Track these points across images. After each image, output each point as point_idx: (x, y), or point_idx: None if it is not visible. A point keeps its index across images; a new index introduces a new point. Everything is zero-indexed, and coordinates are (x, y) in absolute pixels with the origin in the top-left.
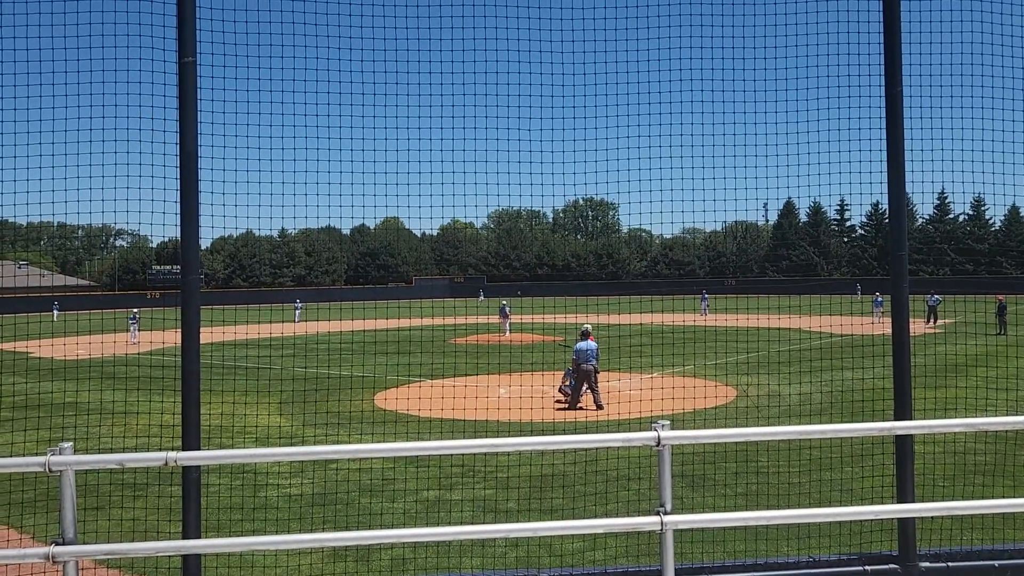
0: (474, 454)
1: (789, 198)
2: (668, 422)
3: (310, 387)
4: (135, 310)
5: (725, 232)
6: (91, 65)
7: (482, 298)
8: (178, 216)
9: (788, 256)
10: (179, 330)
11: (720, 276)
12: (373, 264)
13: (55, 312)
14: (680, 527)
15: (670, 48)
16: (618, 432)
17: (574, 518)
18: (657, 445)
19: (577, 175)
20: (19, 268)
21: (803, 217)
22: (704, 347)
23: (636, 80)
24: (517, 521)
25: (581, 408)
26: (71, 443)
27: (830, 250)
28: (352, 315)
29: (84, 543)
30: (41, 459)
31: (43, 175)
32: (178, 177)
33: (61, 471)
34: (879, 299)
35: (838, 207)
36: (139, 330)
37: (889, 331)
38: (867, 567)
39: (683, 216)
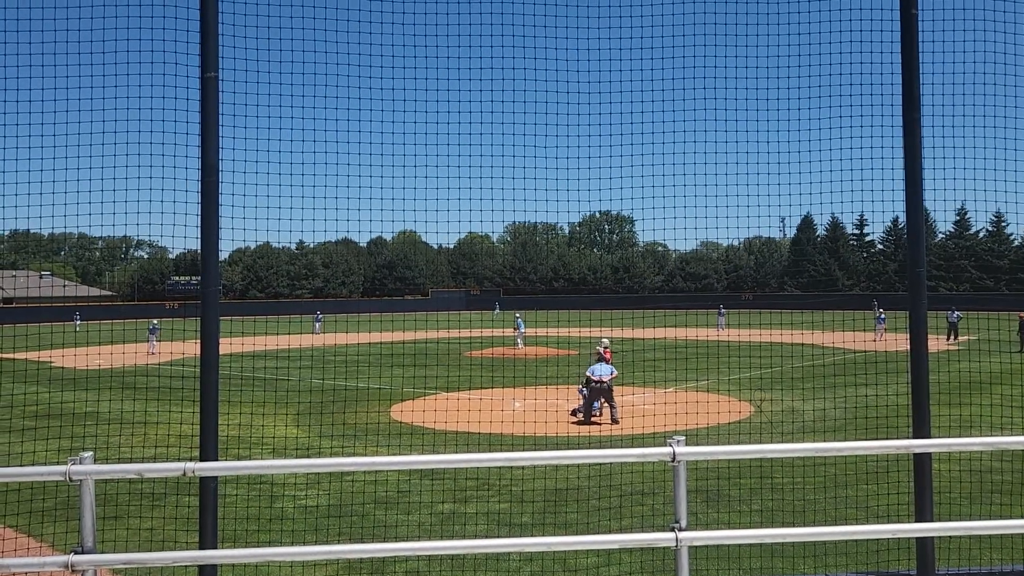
0: (489, 468)
1: (807, 213)
2: (683, 438)
3: (326, 399)
4: (155, 321)
5: (743, 246)
6: (116, 81)
7: (497, 311)
8: (198, 228)
9: (807, 271)
10: (197, 341)
11: (737, 291)
12: (390, 276)
13: (77, 322)
14: (695, 544)
15: (688, 62)
16: (633, 447)
17: (589, 533)
18: (672, 461)
19: (594, 189)
20: (41, 278)
21: (821, 232)
22: (720, 362)
23: (654, 95)
24: (531, 535)
25: (596, 423)
26: (91, 453)
27: (849, 265)
28: (369, 327)
29: (103, 552)
30: (62, 468)
31: (68, 188)
32: (199, 190)
33: (81, 480)
34: (882, 316)
35: (857, 222)
36: (158, 340)
37: (890, 348)
38: None
39: (701, 231)
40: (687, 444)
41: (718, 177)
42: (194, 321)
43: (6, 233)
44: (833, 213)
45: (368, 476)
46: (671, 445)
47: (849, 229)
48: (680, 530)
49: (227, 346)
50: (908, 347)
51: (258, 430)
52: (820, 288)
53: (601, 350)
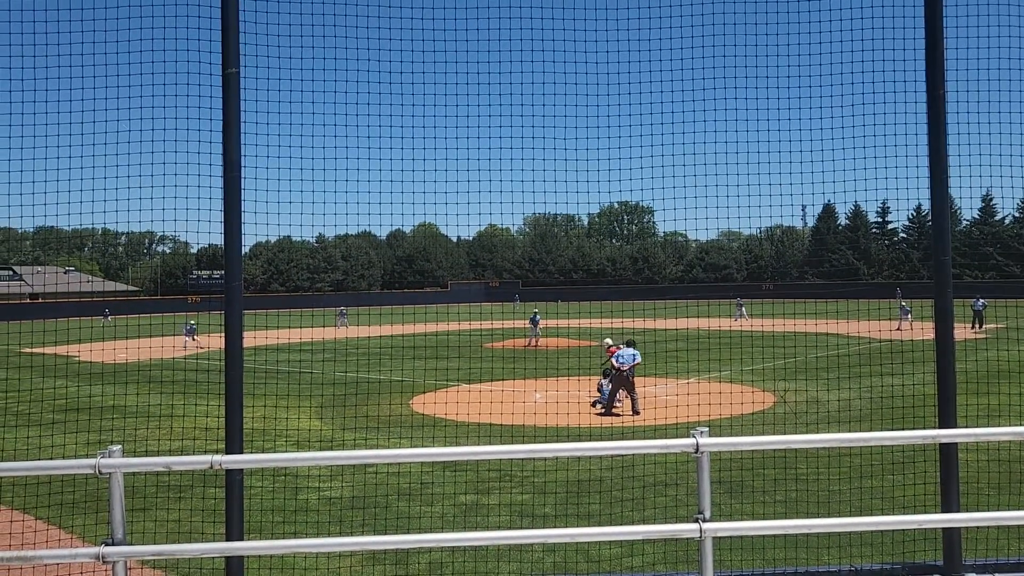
0: (511, 459)
1: (828, 201)
2: (707, 428)
3: (348, 391)
4: (192, 322)
5: (763, 236)
6: (141, 80)
7: (518, 302)
8: (222, 223)
9: (828, 260)
10: (221, 335)
11: (758, 280)
12: (409, 269)
13: (107, 317)
14: (719, 534)
15: (706, 49)
16: (656, 439)
17: (611, 524)
18: (696, 452)
19: (613, 180)
20: (66, 274)
21: (843, 220)
22: (741, 352)
23: (672, 83)
24: (554, 527)
25: (617, 414)
26: (120, 446)
27: (871, 254)
28: (391, 320)
29: (132, 544)
30: (91, 461)
31: (93, 184)
32: (222, 185)
33: (110, 473)
34: (906, 307)
35: (879, 210)
36: (195, 337)
37: (916, 336)
38: None
39: (721, 220)
40: (710, 435)
41: (740, 167)
42: (216, 315)
43: (31, 229)
44: (856, 201)
45: (390, 468)
46: (694, 436)
47: (871, 217)
48: (704, 521)
49: (250, 339)
50: (934, 336)
51: (281, 422)
52: (841, 277)
53: (605, 346)
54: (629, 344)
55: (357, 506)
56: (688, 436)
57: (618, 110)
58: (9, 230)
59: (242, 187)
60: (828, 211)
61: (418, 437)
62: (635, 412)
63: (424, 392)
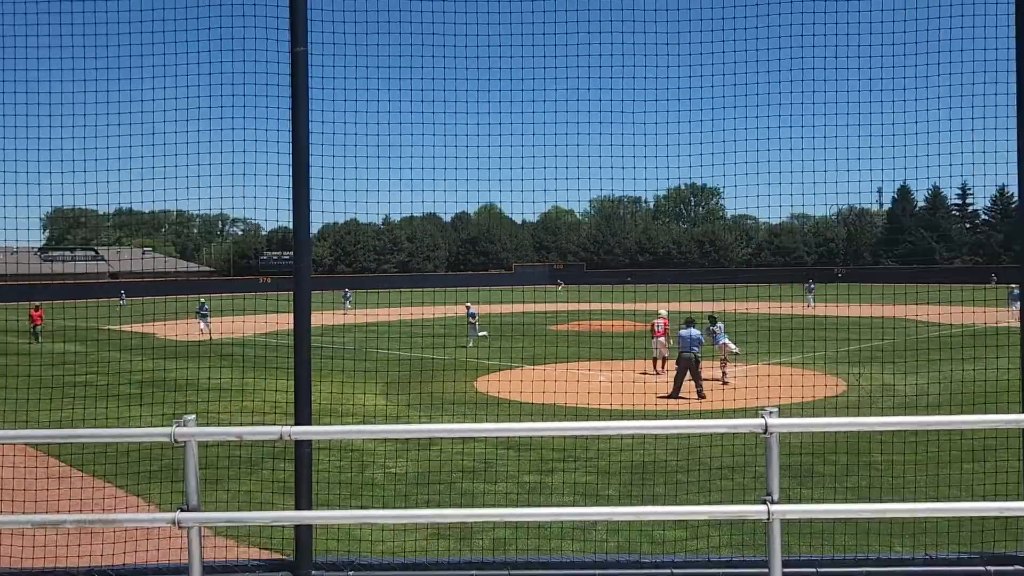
0: (573, 440)
1: (904, 182)
2: (776, 409)
3: (412, 370)
4: (203, 300)
5: (836, 218)
6: (211, 62)
7: (561, 286)
8: (290, 202)
9: (904, 243)
10: (290, 314)
11: (829, 264)
12: (473, 251)
13: (123, 299)
14: (788, 517)
15: (782, 28)
16: (724, 419)
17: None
18: (764, 433)
19: (684, 165)
20: (144, 254)
21: (921, 202)
22: (811, 337)
23: (742, 60)
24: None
25: (682, 397)
26: (194, 416)
27: (951, 237)
28: (456, 299)
29: (206, 511)
30: (167, 430)
31: (168, 167)
32: (290, 164)
33: (186, 442)
34: (1016, 291)
35: (959, 191)
36: (210, 320)
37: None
38: (990, 567)
39: (791, 202)
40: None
41: (812, 147)
42: (286, 295)
43: (111, 211)
44: (935, 183)
45: (454, 446)
46: (763, 416)
47: (951, 199)
48: (772, 503)
49: (316, 318)
50: (1020, 320)
51: (348, 399)
52: (917, 261)
53: (659, 323)
54: (689, 323)
55: (422, 482)
56: (757, 417)
57: (689, 92)
58: (85, 210)
59: (310, 166)
60: (904, 193)
61: (482, 416)
62: (700, 396)
63: (488, 373)
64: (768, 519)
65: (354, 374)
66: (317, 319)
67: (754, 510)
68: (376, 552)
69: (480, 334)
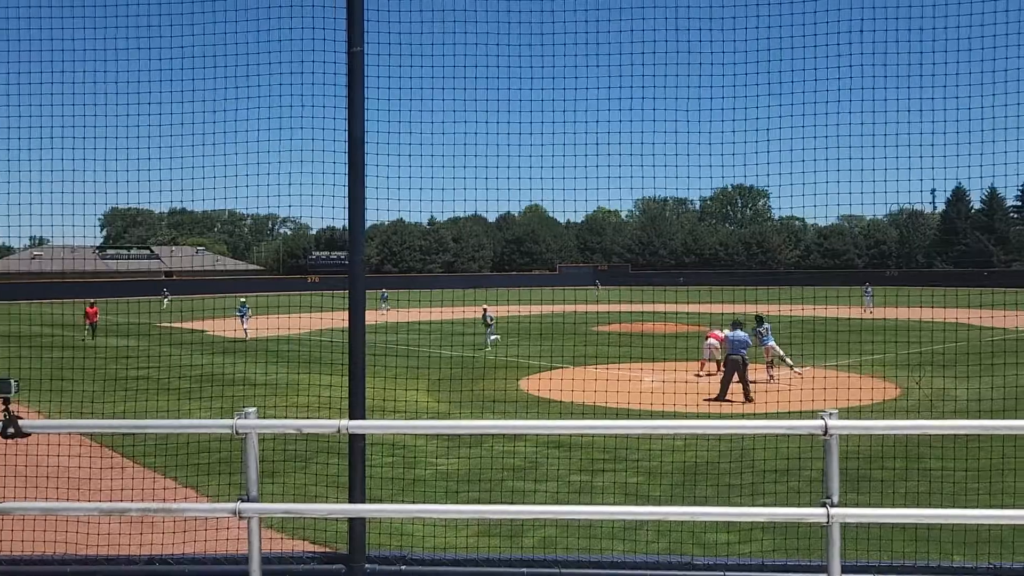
0: (620, 440)
1: (959, 183)
2: (835, 411)
3: (458, 369)
4: (243, 300)
5: (887, 220)
6: (270, 62)
7: (599, 288)
8: (346, 199)
9: (959, 245)
10: (335, 313)
11: (880, 267)
12: (518, 251)
13: (166, 297)
14: (848, 520)
15: (829, 25)
16: (781, 419)
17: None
18: (824, 434)
19: (728, 164)
20: (196, 253)
21: (976, 203)
22: (863, 340)
23: (790, 58)
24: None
25: (729, 400)
26: (255, 409)
27: (1008, 239)
28: (497, 300)
29: (265, 502)
30: (229, 422)
31: (218, 166)
32: (346, 163)
33: (246, 434)
34: None
35: (1019, 192)
36: (248, 319)
37: None
38: None
39: (838, 200)
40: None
41: (863, 148)
42: (329, 293)
43: (166, 211)
44: (992, 184)
45: (503, 445)
46: (823, 418)
47: (1009, 200)
48: (832, 506)
49: (371, 317)
50: None
51: (396, 396)
52: (973, 264)
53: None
54: (736, 325)
55: (472, 478)
56: (816, 418)
57: (733, 91)
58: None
59: (365, 164)
60: (959, 194)
61: (530, 415)
62: (747, 399)
63: (533, 373)
64: (828, 522)
65: (395, 371)
66: (340, 319)
67: (813, 513)
68: (424, 549)
69: (492, 338)
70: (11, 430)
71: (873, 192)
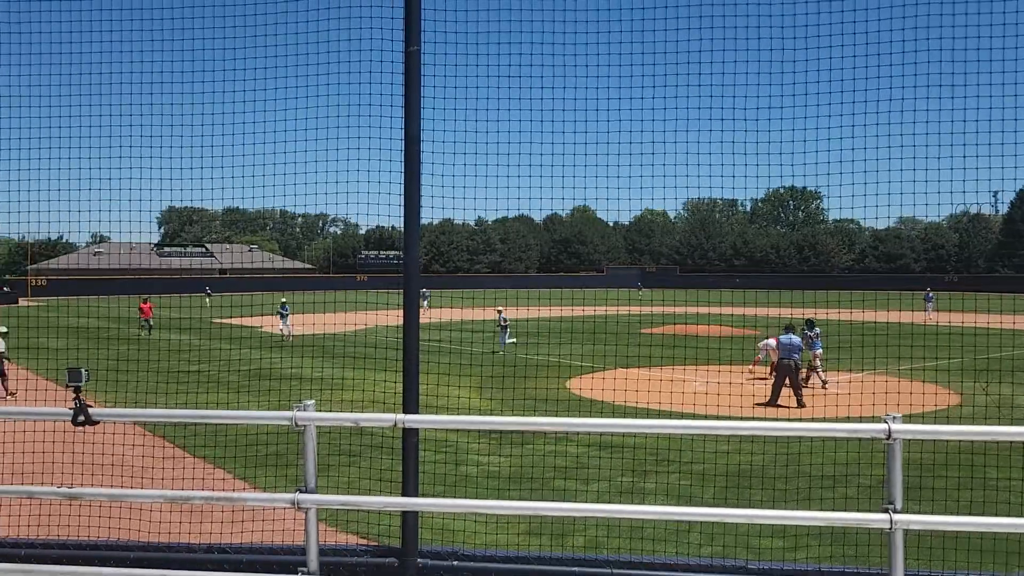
0: (669, 443)
1: None
2: (899, 415)
3: (506, 370)
4: (283, 300)
5: (947, 223)
6: (328, 61)
7: (642, 290)
8: (401, 197)
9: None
10: (380, 312)
11: (939, 272)
12: (565, 252)
13: (209, 295)
14: (912, 527)
15: (889, 19)
16: (843, 423)
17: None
18: (887, 439)
19: (785, 163)
20: (250, 251)
21: None
22: (921, 346)
23: (846, 55)
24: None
25: (781, 405)
26: (313, 402)
27: None
28: (548, 301)
29: (322, 494)
30: (288, 414)
31: (270, 164)
32: (401, 160)
33: (305, 426)
34: None
35: None
36: (290, 321)
37: None
38: None
39: (889, 201)
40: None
41: (923, 148)
42: (378, 293)
43: (220, 210)
44: None
45: (549, 445)
46: (887, 422)
47: None
48: (895, 512)
49: (395, 317)
50: None
51: (444, 393)
52: None
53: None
54: (788, 329)
55: (517, 476)
56: (880, 422)
57: (781, 89)
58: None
59: (421, 162)
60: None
61: (578, 415)
62: (800, 404)
63: (580, 375)
64: (891, 529)
65: (442, 367)
66: (395, 318)
67: (876, 518)
68: (473, 546)
69: (509, 340)
70: (82, 418)
71: (926, 193)
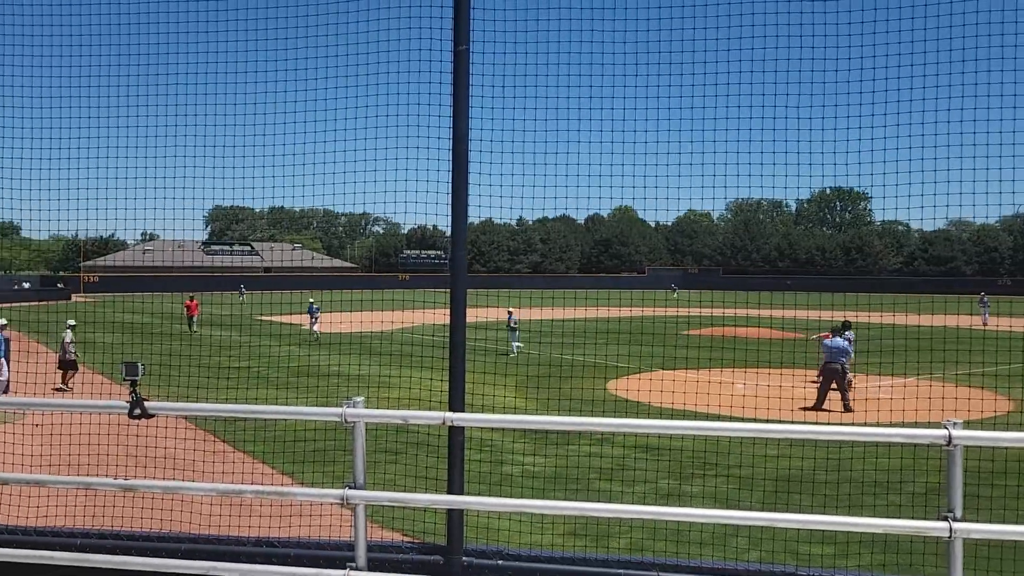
0: (714, 447)
1: None
2: (960, 421)
3: (545, 371)
4: (312, 300)
5: (1000, 225)
6: (379, 61)
7: (676, 291)
8: (449, 195)
9: None
10: (423, 310)
11: (991, 275)
12: (606, 253)
13: (242, 294)
14: (973, 536)
15: (936, 16)
16: (900, 427)
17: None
18: (947, 444)
19: (828, 164)
20: (293, 250)
21: None
22: (973, 353)
23: (894, 52)
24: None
25: (826, 410)
26: (362, 398)
27: None
28: (585, 303)
29: (371, 490)
30: (338, 411)
31: (314, 163)
32: (450, 159)
33: (355, 423)
34: None
35: None
36: (319, 320)
37: None
38: None
39: (941, 201)
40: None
41: (975, 147)
42: (419, 292)
43: (266, 209)
44: None
45: (591, 447)
46: (946, 427)
47: None
48: (955, 520)
49: (429, 316)
50: None
51: (485, 392)
52: None
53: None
54: (836, 332)
55: (559, 477)
56: (939, 427)
57: (823, 87)
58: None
59: (468, 160)
60: None
61: (618, 415)
62: (846, 409)
63: (621, 376)
64: (950, 537)
65: (494, 372)
66: (429, 317)
67: (934, 526)
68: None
69: (517, 344)
70: (138, 411)
71: (975, 193)
